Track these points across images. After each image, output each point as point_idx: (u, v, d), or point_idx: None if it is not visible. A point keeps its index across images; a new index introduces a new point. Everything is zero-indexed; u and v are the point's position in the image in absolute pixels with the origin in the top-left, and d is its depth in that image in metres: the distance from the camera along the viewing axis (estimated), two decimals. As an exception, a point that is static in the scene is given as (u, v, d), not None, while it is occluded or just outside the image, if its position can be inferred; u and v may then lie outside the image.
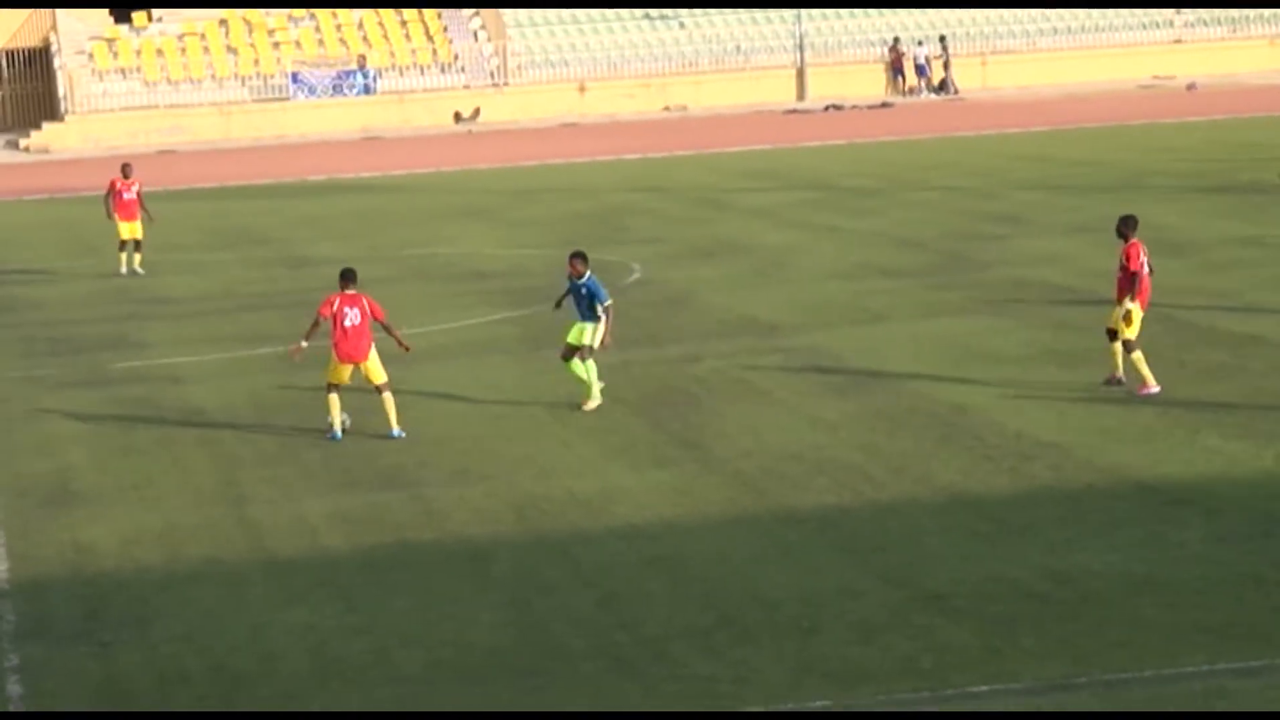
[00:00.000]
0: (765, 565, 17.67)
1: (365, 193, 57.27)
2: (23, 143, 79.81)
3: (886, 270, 35.22)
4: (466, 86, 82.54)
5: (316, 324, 23.92)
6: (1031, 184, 48.22)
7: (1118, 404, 23.21)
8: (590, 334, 24.48)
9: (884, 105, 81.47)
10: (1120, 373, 23.89)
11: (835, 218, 44.04)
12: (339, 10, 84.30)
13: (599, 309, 24.49)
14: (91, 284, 40.03)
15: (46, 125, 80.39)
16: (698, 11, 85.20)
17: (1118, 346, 23.74)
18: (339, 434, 23.73)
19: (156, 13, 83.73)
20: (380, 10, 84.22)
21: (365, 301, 23.71)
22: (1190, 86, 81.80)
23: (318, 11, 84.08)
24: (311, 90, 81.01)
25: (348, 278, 23.90)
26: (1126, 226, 23.75)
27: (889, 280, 33.97)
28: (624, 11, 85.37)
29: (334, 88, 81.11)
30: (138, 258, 41.01)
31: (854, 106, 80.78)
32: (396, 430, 23.62)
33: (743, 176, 55.26)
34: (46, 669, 15.97)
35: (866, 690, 14.44)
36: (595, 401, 24.52)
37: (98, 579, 18.44)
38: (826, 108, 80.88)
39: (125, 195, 41.09)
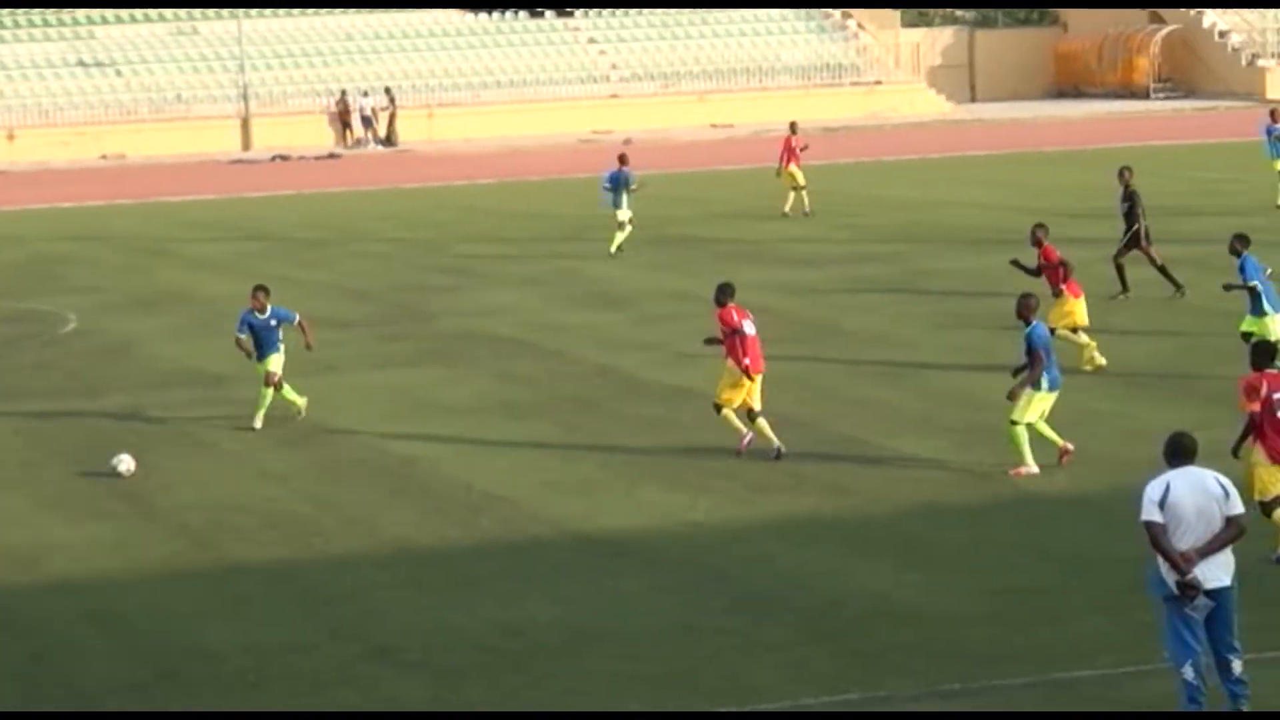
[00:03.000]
0: (210, 619, 17.36)
1: None
2: None
3: (336, 321, 35.01)
4: (-119, 133, 79.31)
5: None
6: (479, 236, 48.73)
7: (561, 456, 23.55)
8: (277, 362, 25.13)
9: (331, 156, 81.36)
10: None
11: (284, 268, 43.63)
12: None
13: (293, 326, 25.36)
14: None
15: None
16: (135, 58, 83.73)
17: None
18: None
19: None
20: None
21: None
22: (627, 141, 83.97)
23: None
24: None
25: None
26: (724, 295, 22.94)
27: (339, 331, 33.77)
28: (55, 57, 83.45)
29: None
30: None
31: (301, 157, 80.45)
32: None
33: (186, 226, 54.32)
34: None
35: (315, 746, 14.30)
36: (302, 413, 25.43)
37: None
38: (273, 158, 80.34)
39: None
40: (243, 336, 25.26)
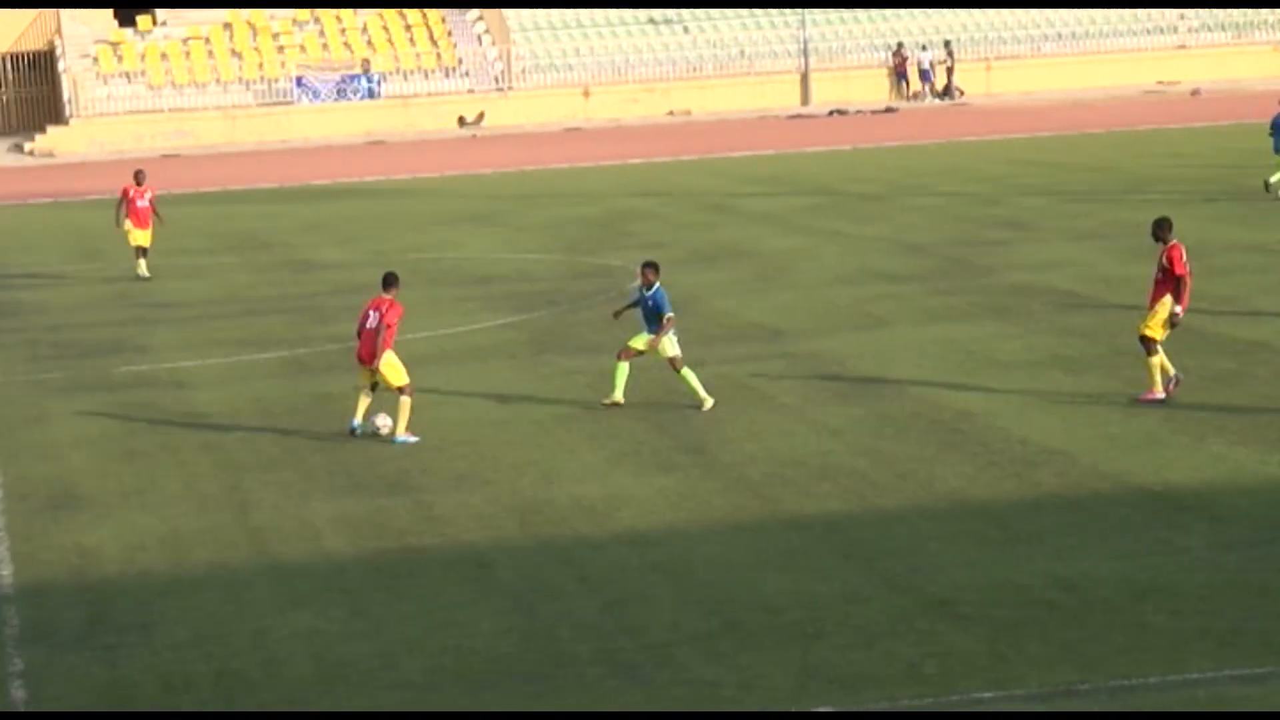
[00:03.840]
0: (769, 570, 17.64)
1: (369, 197, 57.27)
2: (27, 146, 79.92)
3: (890, 275, 35.20)
4: (471, 91, 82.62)
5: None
6: (1035, 190, 48.21)
7: (1122, 410, 23.19)
8: (670, 344, 24.53)
9: (888, 110, 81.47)
10: (1172, 373, 23.58)
11: (839, 223, 44.03)
12: (343, 13, 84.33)
13: (663, 319, 24.50)
14: (95, 288, 40.03)
15: (51, 129, 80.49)
16: (701, 15, 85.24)
17: (1156, 359, 23.39)
18: (355, 426, 23.83)
19: (161, 15, 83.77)
20: (385, 13, 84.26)
21: (385, 306, 23.76)
22: (1195, 92, 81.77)
23: (322, 15, 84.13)
24: (316, 94, 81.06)
25: (386, 282, 24.02)
26: (1162, 229, 23.56)
27: (893, 285, 33.95)
28: (627, 15, 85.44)
29: (338, 92, 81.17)
30: (143, 263, 41.10)
31: (858, 111, 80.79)
32: (401, 437, 23.59)
33: (747, 181, 55.25)
34: (50, 673, 15.95)
35: (870, 696, 14.41)
36: (709, 402, 24.48)
37: (101, 584, 18.43)
38: (831, 113, 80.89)
39: (139, 202, 41.22)
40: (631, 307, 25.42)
